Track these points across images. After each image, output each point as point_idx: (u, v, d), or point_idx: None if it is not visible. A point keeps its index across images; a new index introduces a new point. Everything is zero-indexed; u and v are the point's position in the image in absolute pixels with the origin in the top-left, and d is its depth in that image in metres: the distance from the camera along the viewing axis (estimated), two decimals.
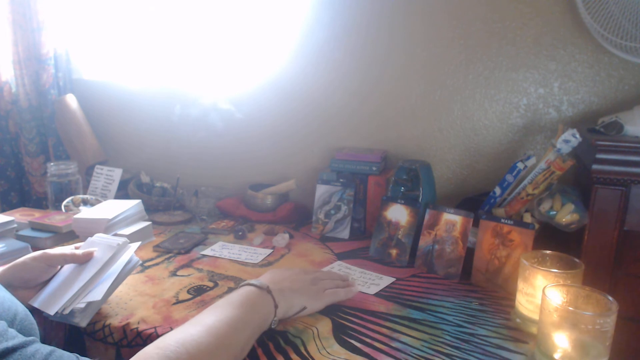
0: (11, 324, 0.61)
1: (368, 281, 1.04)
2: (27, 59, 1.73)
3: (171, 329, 0.83)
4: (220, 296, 0.96)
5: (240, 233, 1.31)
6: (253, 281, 0.81)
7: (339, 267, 1.12)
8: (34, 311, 0.80)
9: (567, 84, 1.26)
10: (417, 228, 1.14)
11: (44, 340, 0.58)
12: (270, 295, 0.79)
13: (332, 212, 1.35)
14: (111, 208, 1.28)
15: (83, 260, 0.87)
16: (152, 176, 1.68)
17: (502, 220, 1.00)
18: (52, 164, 1.52)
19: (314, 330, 0.83)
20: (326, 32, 1.46)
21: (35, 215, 1.34)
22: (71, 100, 1.75)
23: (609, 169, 0.96)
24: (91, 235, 0.95)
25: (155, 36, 1.69)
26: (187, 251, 1.21)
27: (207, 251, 1.21)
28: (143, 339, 0.83)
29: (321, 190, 1.38)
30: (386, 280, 1.04)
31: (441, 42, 1.35)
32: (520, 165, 1.08)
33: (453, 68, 1.35)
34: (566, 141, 1.02)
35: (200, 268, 1.11)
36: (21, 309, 0.66)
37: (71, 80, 1.83)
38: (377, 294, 0.98)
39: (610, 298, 0.69)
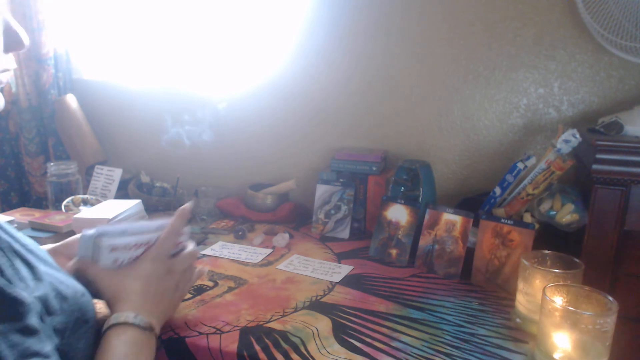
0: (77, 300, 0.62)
1: (330, 270, 1.09)
2: (27, 59, 1.73)
3: (171, 328, 0.83)
4: (219, 296, 0.96)
5: (240, 233, 1.31)
6: (133, 319, 0.68)
7: (298, 260, 1.15)
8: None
9: (567, 84, 1.26)
10: (417, 228, 1.14)
11: None
12: (153, 333, 0.70)
13: (332, 212, 1.35)
14: (111, 208, 1.28)
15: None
16: (152, 176, 1.68)
17: (502, 220, 1.00)
18: (52, 164, 1.52)
19: (313, 329, 0.83)
20: (326, 32, 1.46)
21: (35, 215, 1.34)
22: (71, 100, 1.75)
23: (609, 169, 0.96)
24: None
25: (155, 36, 1.69)
26: None
27: (207, 251, 1.21)
28: None
29: (321, 190, 1.38)
30: (345, 269, 1.10)
31: (441, 42, 1.35)
32: (520, 165, 1.08)
33: (453, 68, 1.35)
34: (566, 141, 1.02)
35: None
36: (79, 287, 0.66)
37: (71, 80, 1.83)
38: (341, 282, 1.03)
39: (610, 298, 0.69)
